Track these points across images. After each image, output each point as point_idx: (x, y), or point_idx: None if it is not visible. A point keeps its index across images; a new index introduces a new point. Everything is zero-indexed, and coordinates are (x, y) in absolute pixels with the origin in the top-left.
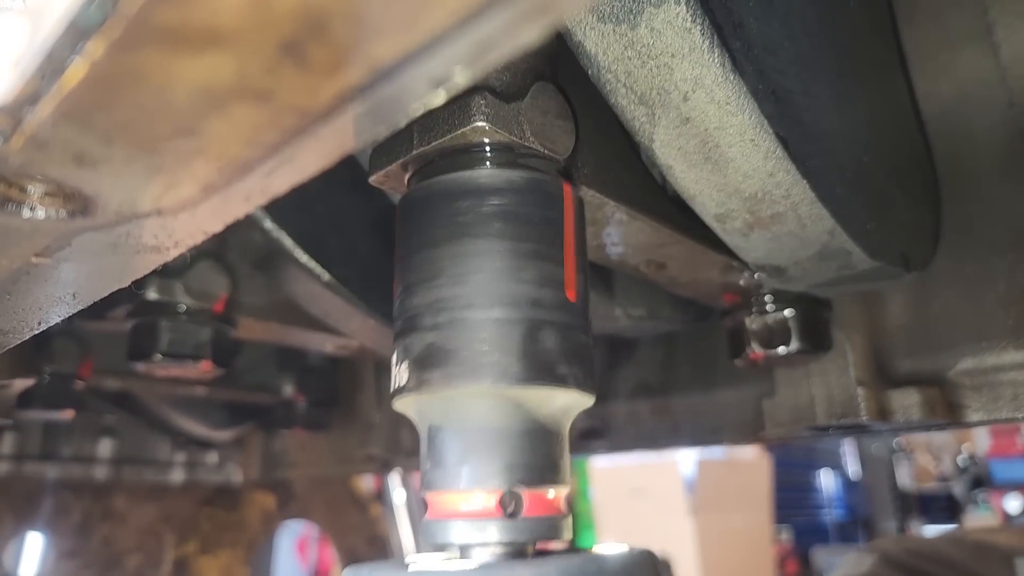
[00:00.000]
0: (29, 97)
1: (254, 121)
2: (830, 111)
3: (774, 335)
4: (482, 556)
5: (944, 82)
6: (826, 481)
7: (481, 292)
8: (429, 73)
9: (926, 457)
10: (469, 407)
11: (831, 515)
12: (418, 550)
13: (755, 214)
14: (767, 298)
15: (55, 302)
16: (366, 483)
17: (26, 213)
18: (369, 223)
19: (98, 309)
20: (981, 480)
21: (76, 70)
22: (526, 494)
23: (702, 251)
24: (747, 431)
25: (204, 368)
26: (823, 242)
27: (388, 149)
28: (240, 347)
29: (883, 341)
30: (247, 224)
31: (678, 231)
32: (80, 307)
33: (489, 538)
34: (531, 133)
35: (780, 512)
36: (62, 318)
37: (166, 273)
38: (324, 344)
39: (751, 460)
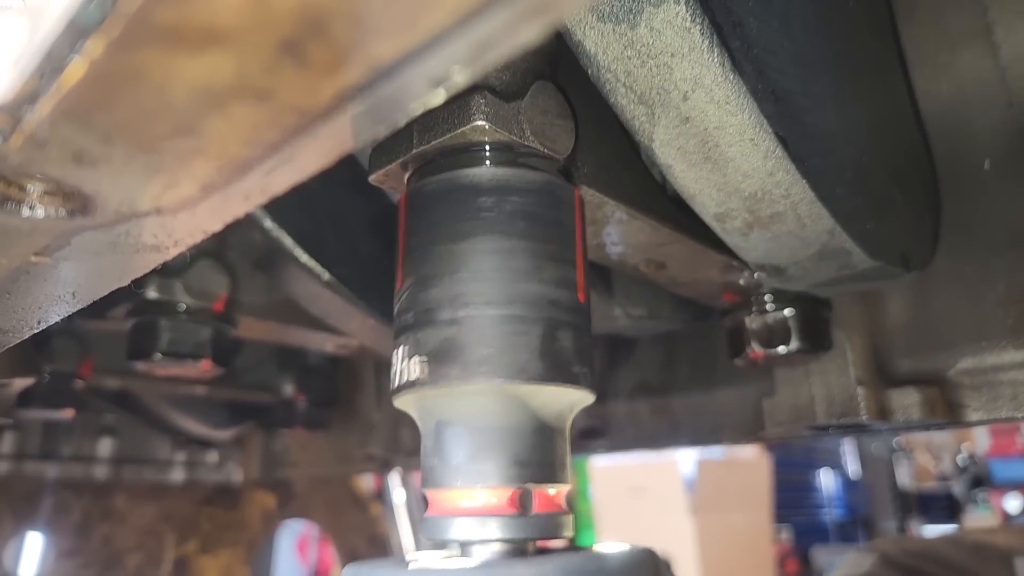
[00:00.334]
0: (28, 96)
1: (254, 120)
2: (830, 111)
3: (774, 335)
4: (483, 554)
5: (944, 82)
6: (826, 480)
7: (502, 289)
8: (429, 72)
9: (926, 456)
10: (481, 403)
11: (831, 514)
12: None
13: (755, 213)
14: (767, 298)
15: (55, 301)
16: (366, 483)
17: (25, 212)
18: (369, 223)
19: (98, 308)
20: (981, 479)
21: (75, 69)
22: (523, 491)
23: (702, 251)
24: (747, 430)
25: (204, 367)
26: (823, 242)
27: (388, 148)
28: (240, 346)
29: (883, 341)
30: (247, 223)
31: (678, 230)
32: (80, 306)
33: (490, 535)
34: (531, 132)
35: (780, 511)
36: (62, 317)
37: (166, 272)
38: (324, 344)
39: (751, 459)
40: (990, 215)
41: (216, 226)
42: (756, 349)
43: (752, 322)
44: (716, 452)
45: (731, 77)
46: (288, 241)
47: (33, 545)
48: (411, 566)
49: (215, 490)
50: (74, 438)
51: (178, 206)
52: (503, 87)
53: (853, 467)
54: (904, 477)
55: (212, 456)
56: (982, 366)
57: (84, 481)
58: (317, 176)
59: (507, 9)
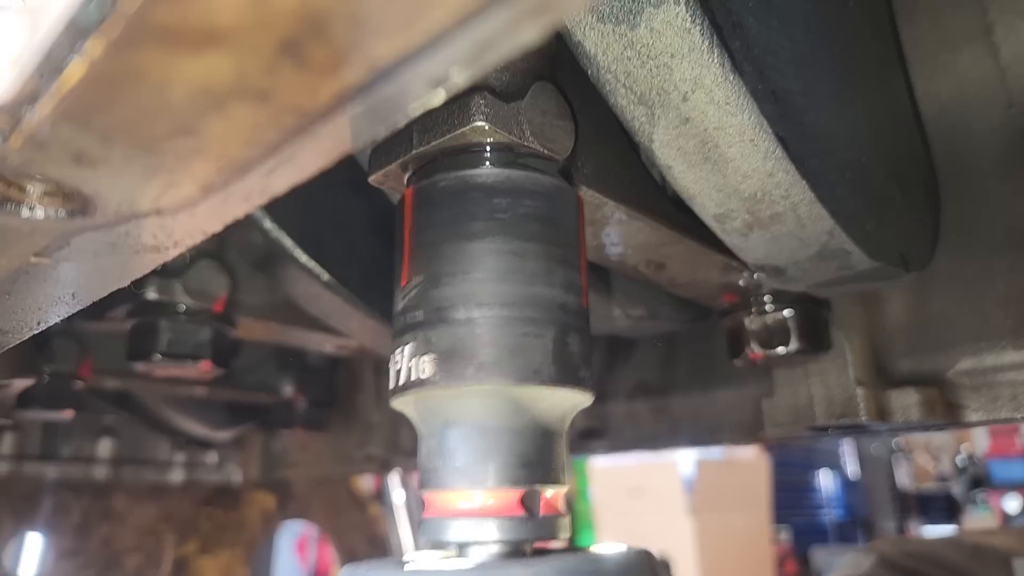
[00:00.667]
0: (28, 96)
1: (253, 121)
2: (830, 111)
3: (773, 335)
4: (480, 555)
5: (943, 82)
6: (825, 481)
7: (518, 291)
8: (428, 73)
9: (925, 457)
10: (491, 404)
11: (830, 515)
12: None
13: (754, 214)
14: (766, 298)
15: (54, 302)
16: (366, 483)
17: (25, 213)
18: (369, 223)
19: (98, 309)
20: (980, 480)
21: (75, 69)
22: (521, 493)
23: (701, 251)
24: (746, 431)
25: (204, 368)
26: (822, 242)
27: (388, 149)
28: (240, 347)
29: (882, 341)
30: (247, 224)
31: (677, 231)
32: (79, 307)
33: (487, 537)
34: (530, 133)
35: (779, 512)
36: (61, 318)
37: (166, 273)
38: (324, 344)
39: (750, 460)
40: (990, 215)
41: (216, 227)
42: (755, 350)
43: (751, 323)
44: (715, 453)
45: (731, 78)
46: (288, 242)
47: (33, 545)
48: (408, 566)
49: (215, 490)
50: (74, 438)
51: (178, 207)
52: (503, 88)
53: (852, 468)
54: (903, 478)
55: (212, 456)
56: (981, 367)
57: (84, 481)
58: (317, 176)
59: (507, 9)
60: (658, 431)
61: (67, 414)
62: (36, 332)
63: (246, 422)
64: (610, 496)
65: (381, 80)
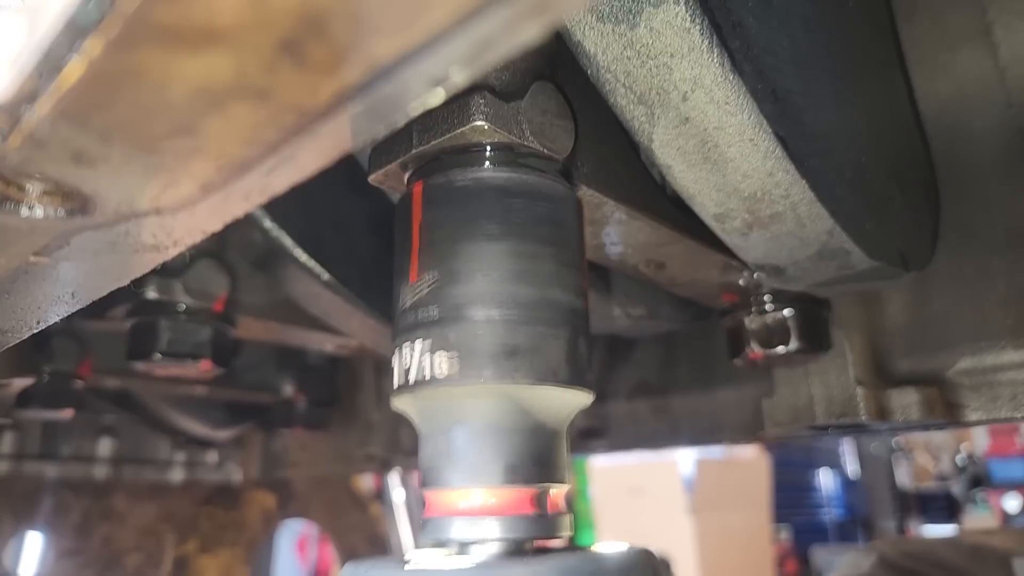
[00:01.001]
0: (27, 96)
1: (253, 120)
2: (829, 111)
3: (773, 335)
4: (480, 553)
5: (943, 82)
6: (825, 480)
7: (535, 292)
8: (428, 72)
9: (925, 456)
10: (505, 404)
11: (830, 514)
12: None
13: (754, 214)
14: (766, 298)
15: (54, 301)
16: (366, 482)
17: (24, 212)
18: (369, 223)
19: (97, 308)
20: (980, 479)
21: (74, 68)
22: (527, 492)
23: (701, 251)
24: (746, 430)
25: (204, 367)
26: (822, 242)
27: (387, 148)
28: (240, 346)
29: (882, 341)
30: (247, 223)
31: (677, 231)
32: (79, 306)
33: (488, 535)
34: (530, 132)
35: (779, 511)
36: (61, 317)
37: (165, 272)
38: (324, 344)
39: (750, 459)
40: (990, 215)
41: (216, 226)
42: (755, 349)
43: (751, 322)
44: (715, 452)
45: (731, 77)
46: (288, 241)
47: (33, 545)
48: (408, 565)
49: (215, 490)
50: (74, 438)
51: (177, 206)
52: (503, 87)
53: (852, 467)
54: (903, 477)
55: (212, 456)
56: (981, 366)
57: (84, 481)
58: (317, 176)
59: (507, 9)
60: (658, 430)
61: (67, 413)
62: (36, 331)
63: (246, 421)
64: (610, 495)
65: (381, 79)
